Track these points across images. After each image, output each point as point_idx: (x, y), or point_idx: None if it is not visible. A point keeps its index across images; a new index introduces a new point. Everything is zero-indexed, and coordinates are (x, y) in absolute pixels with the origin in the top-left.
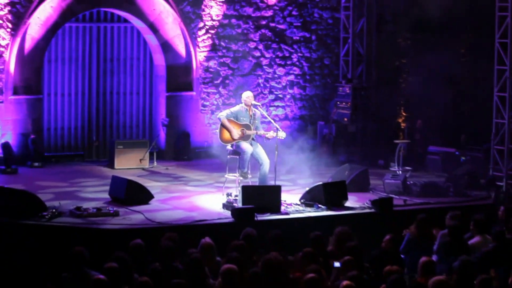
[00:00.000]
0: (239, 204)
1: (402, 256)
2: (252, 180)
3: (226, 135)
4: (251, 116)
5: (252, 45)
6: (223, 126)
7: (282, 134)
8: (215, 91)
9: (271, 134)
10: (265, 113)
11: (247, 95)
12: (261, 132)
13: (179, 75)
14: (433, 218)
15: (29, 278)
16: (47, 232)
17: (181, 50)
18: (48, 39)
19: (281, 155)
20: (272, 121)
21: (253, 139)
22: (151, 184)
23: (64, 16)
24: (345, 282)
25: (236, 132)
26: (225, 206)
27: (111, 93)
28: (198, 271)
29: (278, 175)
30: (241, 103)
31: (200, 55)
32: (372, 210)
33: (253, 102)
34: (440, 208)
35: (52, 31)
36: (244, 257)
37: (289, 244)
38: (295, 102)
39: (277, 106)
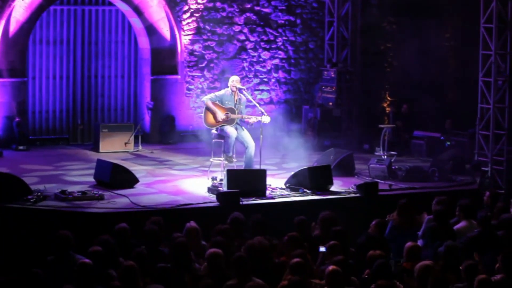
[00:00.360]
0: (224, 188)
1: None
2: (237, 164)
3: (210, 118)
4: (236, 100)
5: (237, 28)
6: (207, 109)
7: (266, 119)
8: (200, 74)
9: (254, 118)
10: (250, 97)
11: (234, 79)
12: (245, 116)
13: (164, 59)
14: (417, 203)
15: (14, 262)
16: (32, 215)
17: (166, 33)
18: (32, 22)
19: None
20: (257, 105)
21: (237, 123)
22: (136, 168)
23: None
24: (331, 267)
25: (221, 115)
26: (210, 190)
27: (96, 76)
28: (184, 255)
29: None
30: (227, 87)
31: (185, 39)
32: (357, 195)
33: (239, 86)
34: (425, 193)
35: (37, 13)
36: (229, 241)
37: (274, 228)
38: (280, 86)
39: (262, 90)
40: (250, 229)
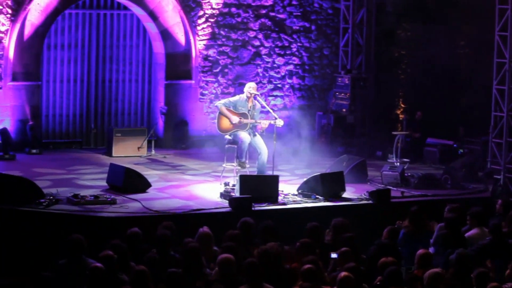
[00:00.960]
0: (236, 194)
1: (399, 248)
2: (250, 169)
3: (224, 123)
4: (250, 107)
5: (251, 34)
6: (221, 113)
7: (279, 122)
8: (214, 79)
9: (267, 122)
10: (264, 103)
11: (250, 86)
12: (259, 121)
13: (178, 63)
14: (430, 210)
15: (26, 265)
16: (44, 219)
17: (181, 38)
18: (47, 26)
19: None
20: (270, 110)
21: (251, 128)
22: (148, 173)
23: (64, 3)
24: (343, 273)
25: (234, 120)
26: (222, 195)
27: (110, 80)
28: (195, 260)
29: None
30: (241, 93)
31: (199, 44)
32: (370, 202)
33: (255, 92)
34: (437, 201)
35: (52, 17)
36: (240, 247)
37: (285, 234)
38: (294, 92)
39: (276, 96)
40: (260, 234)
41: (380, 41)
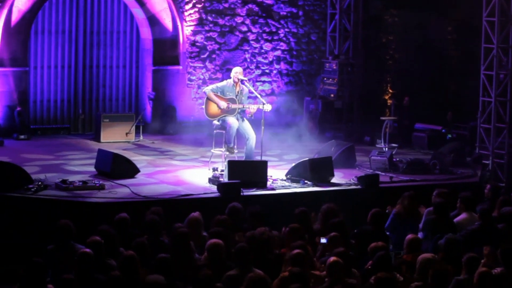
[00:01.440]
0: (225, 179)
1: (387, 233)
2: (238, 155)
3: (212, 109)
4: (238, 92)
5: (239, 19)
6: (209, 99)
7: (267, 107)
8: (201, 65)
9: (255, 107)
10: (251, 88)
11: (237, 70)
12: (247, 105)
13: (166, 49)
14: (418, 195)
15: (14, 251)
16: (33, 204)
17: (168, 24)
18: (35, 11)
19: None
20: (258, 95)
21: (239, 113)
22: (137, 158)
23: None
24: (332, 258)
25: (222, 105)
26: (211, 180)
27: (98, 66)
28: (184, 245)
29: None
30: (229, 78)
31: (187, 29)
32: (358, 187)
33: (241, 77)
34: (425, 186)
35: (39, 3)
36: (228, 232)
37: (274, 219)
38: (281, 77)
39: (264, 81)
40: (248, 220)
41: (367, 26)
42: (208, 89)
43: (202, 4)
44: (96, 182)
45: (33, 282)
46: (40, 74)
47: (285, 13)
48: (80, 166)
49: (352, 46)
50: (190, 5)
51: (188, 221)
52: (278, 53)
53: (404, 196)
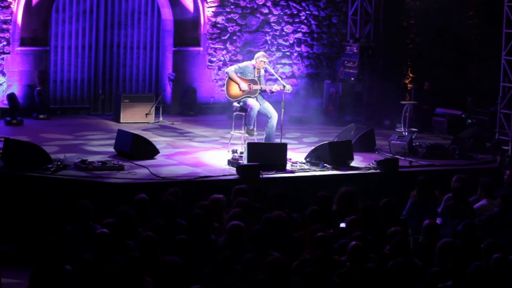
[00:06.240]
0: (244, 161)
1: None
2: (258, 137)
3: (233, 89)
4: (257, 73)
5: (260, 1)
6: (231, 79)
7: (288, 87)
8: (222, 47)
9: (276, 87)
10: (272, 70)
11: (263, 60)
12: (268, 86)
13: (187, 30)
14: (437, 180)
15: (33, 231)
16: (52, 184)
17: (189, 5)
18: None
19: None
20: (279, 78)
21: (260, 94)
22: (156, 139)
23: None
24: (354, 242)
25: (243, 86)
26: (230, 162)
27: (118, 46)
28: (201, 227)
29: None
30: (250, 60)
31: (208, 11)
32: (378, 171)
33: (267, 66)
34: (445, 171)
35: None
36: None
37: (293, 202)
38: (302, 60)
39: (284, 64)
40: (269, 202)
41: (389, 10)
42: (231, 69)
43: None
44: (115, 163)
45: (48, 261)
46: (60, 53)
47: None
48: (99, 147)
49: (373, 29)
50: None
51: (210, 202)
52: (299, 35)
53: (417, 181)
